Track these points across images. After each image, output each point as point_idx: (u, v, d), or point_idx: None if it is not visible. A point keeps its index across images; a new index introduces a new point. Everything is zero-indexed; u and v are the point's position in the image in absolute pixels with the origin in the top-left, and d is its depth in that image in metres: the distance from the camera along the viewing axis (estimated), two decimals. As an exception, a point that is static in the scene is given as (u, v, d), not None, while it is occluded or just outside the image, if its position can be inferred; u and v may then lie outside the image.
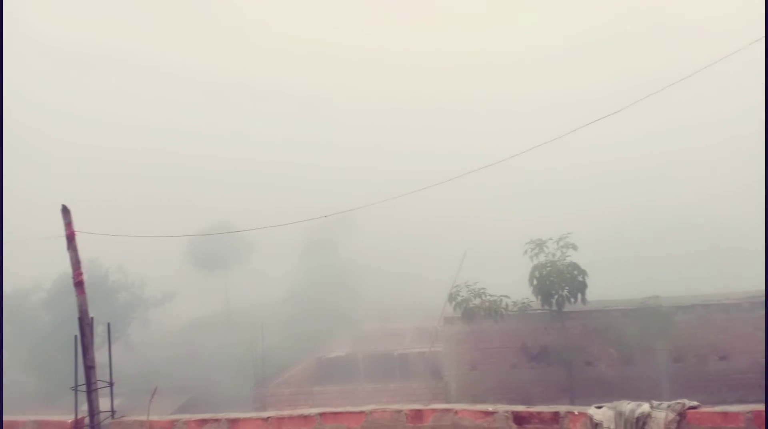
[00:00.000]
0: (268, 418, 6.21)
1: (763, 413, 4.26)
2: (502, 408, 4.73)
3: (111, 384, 9.44)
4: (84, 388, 9.01)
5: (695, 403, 4.26)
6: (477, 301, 15.97)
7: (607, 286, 19.11)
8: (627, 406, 4.22)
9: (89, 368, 9.12)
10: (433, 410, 4.88)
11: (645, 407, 4.19)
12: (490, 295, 16.06)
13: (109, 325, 10.51)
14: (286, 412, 6.13)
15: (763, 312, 16.17)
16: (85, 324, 9.24)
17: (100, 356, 9.70)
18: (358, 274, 34.22)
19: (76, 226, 9.47)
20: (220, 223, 35.25)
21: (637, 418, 4.06)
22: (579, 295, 15.28)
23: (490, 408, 4.77)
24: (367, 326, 30.05)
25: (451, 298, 16.33)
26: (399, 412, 4.91)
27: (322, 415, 5.69)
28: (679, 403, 4.18)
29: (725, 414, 4.28)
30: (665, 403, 4.22)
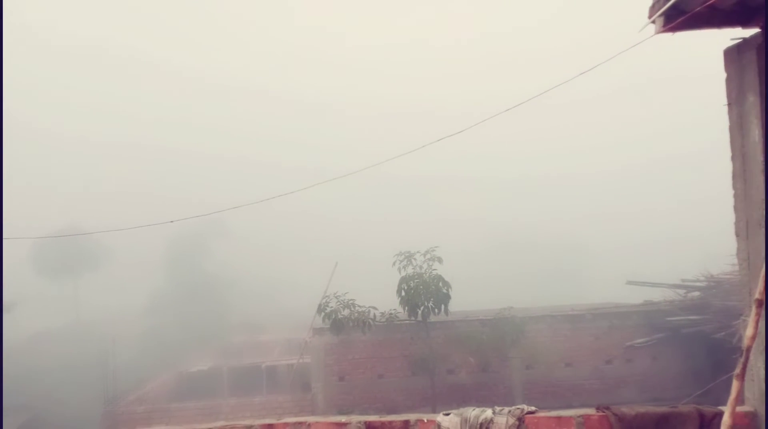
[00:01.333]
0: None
1: (593, 417, 4.58)
2: (356, 419, 4.71)
3: None
4: None
5: (533, 408, 4.52)
6: (346, 312, 16.02)
7: (469, 297, 20.07)
8: (472, 412, 4.39)
9: None
10: (286, 424, 4.74)
11: (488, 413, 4.38)
12: (359, 306, 16.19)
13: None
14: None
15: (602, 323, 17.86)
16: None
17: None
18: (227, 281, 32.83)
19: None
20: (71, 225, 32.10)
21: (481, 424, 4.23)
22: (443, 307, 15.86)
23: (343, 419, 4.73)
24: (234, 338, 28.96)
25: (321, 309, 16.25)
26: (250, 427, 4.71)
27: (168, 433, 5.29)
28: (518, 408, 4.42)
29: (559, 418, 4.56)
30: (506, 409, 4.44)
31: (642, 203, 44.68)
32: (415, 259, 16.35)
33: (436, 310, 15.84)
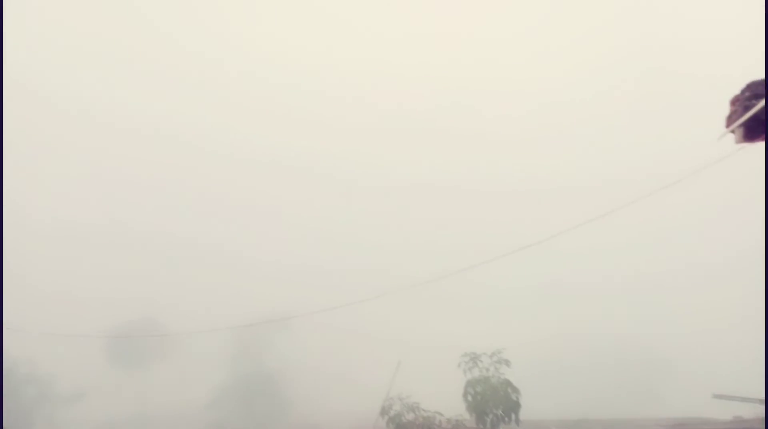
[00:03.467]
0: None
1: None
2: None
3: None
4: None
5: None
6: (410, 416, 15.52)
7: (537, 403, 19.06)
8: None
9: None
10: None
11: None
12: (424, 411, 15.66)
13: None
14: None
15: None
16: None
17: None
18: (287, 378, 32.53)
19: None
20: (144, 317, 33.10)
21: None
22: (513, 415, 15.12)
23: None
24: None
25: (384, 411, 15.80)
26: None
27: None
28: None
29: None
30: None
31: (733, 308, 41.61)
32: (480, 360, 15.87)
33: (506, 419, 15.10)
